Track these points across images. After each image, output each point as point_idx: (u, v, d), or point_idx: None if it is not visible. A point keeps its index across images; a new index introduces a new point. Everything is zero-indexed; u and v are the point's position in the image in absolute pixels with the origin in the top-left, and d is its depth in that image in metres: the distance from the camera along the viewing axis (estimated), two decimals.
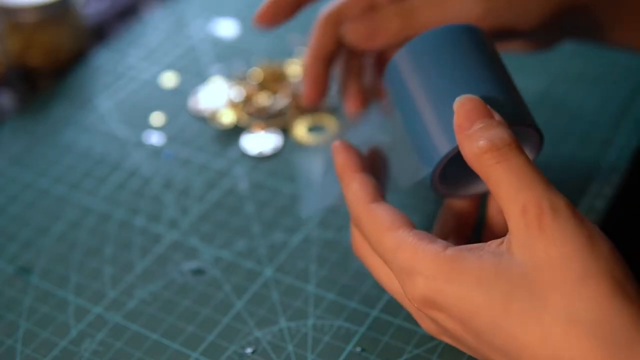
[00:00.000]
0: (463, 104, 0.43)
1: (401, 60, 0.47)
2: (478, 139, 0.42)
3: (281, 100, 0.67)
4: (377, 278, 0.47)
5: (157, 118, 0.68)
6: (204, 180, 0.62)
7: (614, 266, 0.38)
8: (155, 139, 0.66)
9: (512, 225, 0.40)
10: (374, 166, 0.50)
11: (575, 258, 0.38)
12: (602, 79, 0.67)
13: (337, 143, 0.49)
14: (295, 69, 0.70)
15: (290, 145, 0.65)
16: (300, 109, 0.67)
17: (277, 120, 0.66)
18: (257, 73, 0.70)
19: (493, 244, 0.41)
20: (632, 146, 0.61)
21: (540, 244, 0.39)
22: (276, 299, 0.53)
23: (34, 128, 0.68)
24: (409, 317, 0.51)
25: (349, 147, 0.49)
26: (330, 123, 0.66)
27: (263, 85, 0.69)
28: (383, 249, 0.44)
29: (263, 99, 0.67)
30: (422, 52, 0.47)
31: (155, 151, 0.65)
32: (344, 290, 0.53)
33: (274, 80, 0.69)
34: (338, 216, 0.58)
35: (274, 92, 0.68)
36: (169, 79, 0.72)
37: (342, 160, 0.48)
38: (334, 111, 0.67)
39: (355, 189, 0.46)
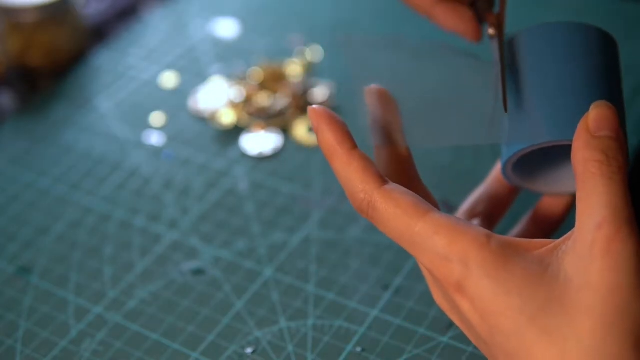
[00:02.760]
0: (599, 108, 0.43)
1: (540, 33, 0.47)
2: (596, 147, 0.41)
3: (281, 100, 0.67)
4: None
5: (157, 118, 0.68)
6: (204, 180, 0.62)
7: None
8: (155, 139, 0.66)
9: (579, 235, 0.39)
10: (391, 110, 0.47)
11: (623, 293, 0.38)
12: None
13: (320, 110, 0.44)
14: (295, 69, 0.70)
15: (290, 145, 0.65)
16: (300, 109, 0.67)
17: (277, 120, 0.66)
18: (257, 73, 0.70)
19: (543, 248, 0.41)
20: (632, 146, 0.61)
21: (598, 265, 0.38)
22: (276, 299, 0.53)
23: (34, 128, 0.68)
24: (409, 317, 0.51)
25: (336, 118, 0.44)
26: None
27: (263, 85, 0.69)
28: (413, 235, 0.41)
29: (263, 99, 0.67)
30: (565, 36, 0.46)
31: (155, 151, 0.65)
32: (344, 290, 0.53)
33: (274, 80, 0.69)
34: (338, 216, 0.58)
35: (274, 92, 0.68)
36: (169, 79, 0.72)
37: (334, 136, 0.44)
38: (334, 111, 0.67)
39: (361, 169, 0.43)
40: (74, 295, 0.54)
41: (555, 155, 0.48)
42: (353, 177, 0.43)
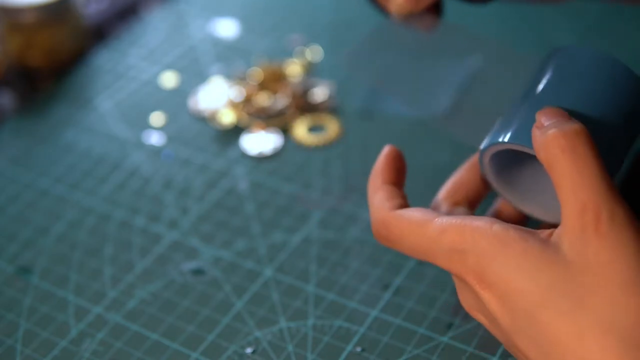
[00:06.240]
0: (546, 109, 0.44)
1: (565, 54, 0.48)
2: (549, 128, 0.42)
3: (281, 100, 0.67)
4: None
5: (157, 118, 0.68)
6: (204, 180, 0.62)
7: None
8: (155, 139, 0.66)
9: (567, 221, 0.41)
10: None
11: (623, 265, 0.39)
12: None
13: (388, 148, 0.49)
14: (295, 69, 0.70)
15: (290, 145, 0.65)
16: (300, 109, 0.67)
17: (277, 120, 0.66)
18: (257, 73, 0.70)
19: (542, 232, 0.42)
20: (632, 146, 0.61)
21: (592, 247, 0.39)
22: (276, 299, 0.53)
23: (34, 128, 0.68)
24: (409, 317, 0.51)
25: (393, 155, 0.49)
26: (330, 123, 0.66)
27: (263, 85, 0.69)
28: (426, 240, 0.44)
29: (263, 99, 0.67)
30: (581, 62, 0.47)
31: (155, 151, 0.65)
32: (344, 290, 0.53)
33: (274, 80, 0.69)
34: (338, 216, 0.58)
35: (274, 92, 0.68)
36: (169, 79, 0.72)
37: (378, 166, 0.48)
38: (334, 111, 0.67)
39: (381, 198, 0.47)
40: (74, 295, 0.54)
41: (535, 175, 0.49)
42: (375, 204, 0.47)
